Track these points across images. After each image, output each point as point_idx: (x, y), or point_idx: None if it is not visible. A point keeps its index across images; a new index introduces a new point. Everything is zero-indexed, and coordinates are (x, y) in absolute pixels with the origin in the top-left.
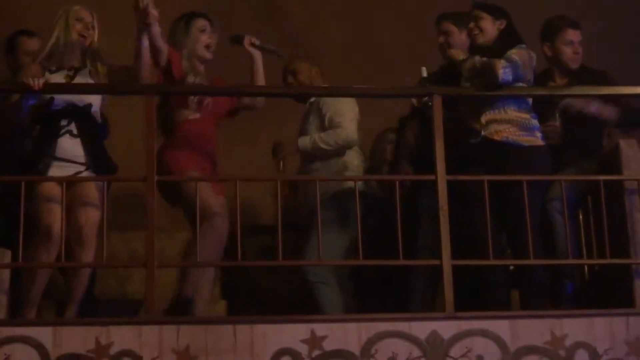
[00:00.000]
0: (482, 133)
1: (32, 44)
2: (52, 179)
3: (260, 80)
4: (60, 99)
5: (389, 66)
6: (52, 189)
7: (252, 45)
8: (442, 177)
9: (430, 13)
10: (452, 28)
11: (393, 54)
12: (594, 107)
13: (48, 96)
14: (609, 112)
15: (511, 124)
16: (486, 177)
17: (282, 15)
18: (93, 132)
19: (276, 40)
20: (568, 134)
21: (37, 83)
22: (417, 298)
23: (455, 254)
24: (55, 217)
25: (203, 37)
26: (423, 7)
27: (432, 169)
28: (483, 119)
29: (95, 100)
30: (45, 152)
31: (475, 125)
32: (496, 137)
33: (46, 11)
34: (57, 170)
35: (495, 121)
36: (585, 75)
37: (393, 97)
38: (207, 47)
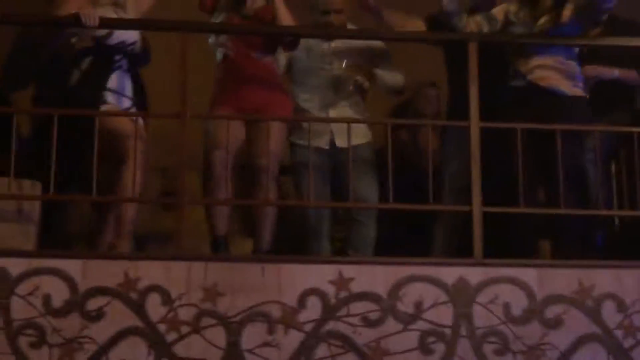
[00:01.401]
0: (528, 77)
1: None
2: (90, 113)
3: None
4: (117, 34)
5: None
6: (126, 125)
7: None
8: (475, 124)
9: None
10: None
11: None
12: (616, 73)
13: (104, 31)
14: (634, 77)
15: (557, 72)
16: (519, 125)
17: None
18: (138, 68)
19: None
20: (600, 88)
21: (93, 20)
22: (439, 245)
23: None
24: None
25: None
26: None
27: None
28: (531, 63)
29: (137, 36)
30: (100, 85)
31: (520, 68)
32: (542, 83)
33: None
34: (113, 104)
35: (542, 67)
36: (617, 24)
37: (431, 42)
38: None
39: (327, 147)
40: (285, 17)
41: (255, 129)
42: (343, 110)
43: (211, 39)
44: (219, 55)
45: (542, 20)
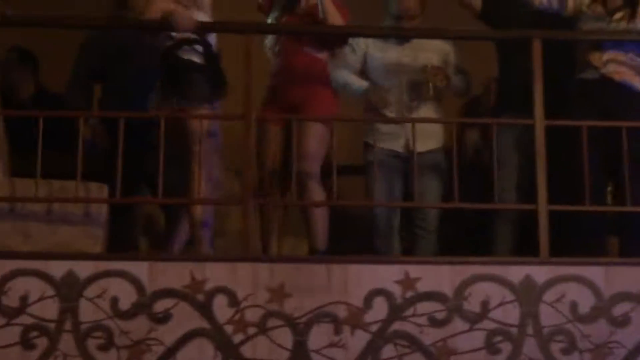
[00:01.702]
0: (601, 70)
1: None
2: (148, 115)
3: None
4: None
5: None
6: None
7: None
8: (540, 122)
9: None
10: None
11: None
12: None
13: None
14: None
15: (630, 67)
16: (585, 123)
17: None
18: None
19: None
20: None
21: (189, 22)
22: (501, 244)
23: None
24: None
25: None
26: None
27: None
28: (604, 57)
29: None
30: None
31: (593, 61)
32: (616, 77)
33: None
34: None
35: (616, 61)
36: None
37: (493, 39)
38: None
39: (401, 151)
40: (334, 17)
41: (297, 130)
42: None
43: (267, 40)
44: (270, 54)
45: (618, 16)
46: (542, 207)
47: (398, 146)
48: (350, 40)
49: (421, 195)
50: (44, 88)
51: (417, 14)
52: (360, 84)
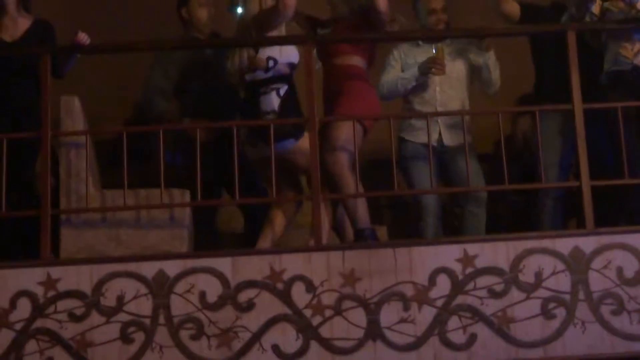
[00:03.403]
0: (634, 61)
1: None
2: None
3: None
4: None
5: None
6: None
7: None
8: (578, 107)
9: None
10: None
11: None
12: None
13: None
14: None
15: None
16: (619, 104)
17: None
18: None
19: None
20: None
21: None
22: (548, 219)
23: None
24: None
25: None
26: None
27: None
28: (635, 48)
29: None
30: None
31: (624, 53)
32: None
33: None
34: None
35: None
36: None
37: (529, 35)
38: None
39: (435, 145)
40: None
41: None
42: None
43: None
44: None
45: None
46: (586, 183)
47: (432, 140)
48: (387, 59)
49: (464, 179)
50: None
51: (445, 6)
52: (410, 71)
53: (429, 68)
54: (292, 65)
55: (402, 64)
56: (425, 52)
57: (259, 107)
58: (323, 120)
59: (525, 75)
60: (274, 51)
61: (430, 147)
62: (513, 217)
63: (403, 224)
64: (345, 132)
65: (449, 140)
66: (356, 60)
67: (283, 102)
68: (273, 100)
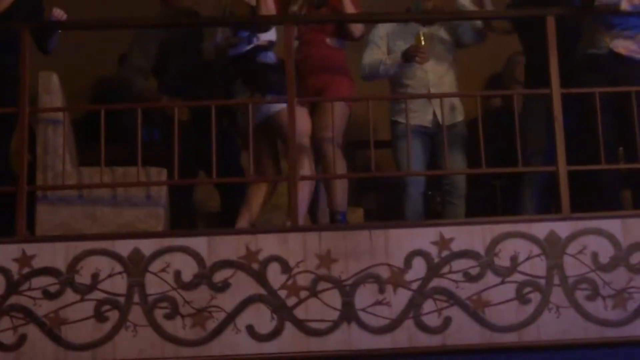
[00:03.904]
0: (610, 46)
1: None
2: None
3: (350, 9)
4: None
5: None
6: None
7: None
8: (556, 91)
9: None
10: None
11: None
12: None
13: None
14: None
15: (636, 42)
16: (597, 89)
17: None
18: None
19: None
20: None
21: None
22: (527, 204)
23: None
24: None
25: None
26: None
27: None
28: (613, 34)
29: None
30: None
31: (603, 38)
32: (624, 52)
33: None
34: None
35: (624, 37)
36: None
37: (509, 19)
38: None
39: (430, 126)
40: (349, 7)
41: (319, 108)
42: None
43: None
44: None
45: None
46: (562, 168)
47: (426, 121)
48: (372, 37)
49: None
50: None
51: None
52: (394, 55)
53: (412, 55)
54: (271, 43)
55: (388, 43)
56: (411, 34)
57: (256, 62)
58: (300, 101)
59: (499, 53)
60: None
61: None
62: (492, 202)
63: (383, 207)
64: (336, 114)
65: (441, 120)
66: (331, 41)
67: (278, 61)
68: (271, 55)
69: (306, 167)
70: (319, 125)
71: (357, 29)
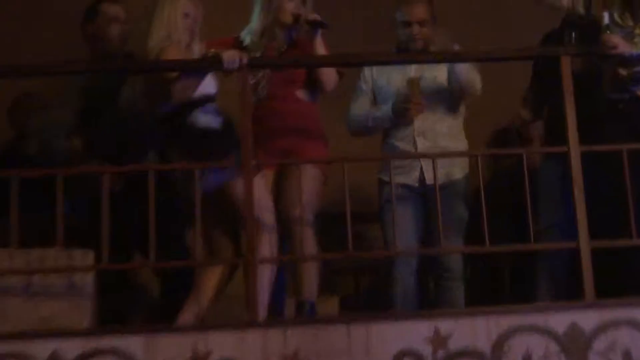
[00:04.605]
0: (631, 89)
1: (115, 9)
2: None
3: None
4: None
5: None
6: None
7: (307, 22)
8: (575, 148)
9: None
10: None
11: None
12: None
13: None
14: None
15: None
16: (625, 147)
17: None
18: None
19: None
20: None
21: (239, 59)
22: (542, 289)
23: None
24: None
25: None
26: None
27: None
28: (634, 75)
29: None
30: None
31: (624, 80)
32: None
33: None
34: None
35: None
36: None
37: (517, 60)
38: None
39: (416, 185)
40: (321, 49)
41: (286, 178)
42: (436, 139)
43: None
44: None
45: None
46: (584, 244)
47: (412, 179)
48: (359, 82)
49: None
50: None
51: (426, 19)
52: (384, 107)
53: (404, 109)
54: (208, 97)
55: (372, 86)
56: (400, 71)
57: (195, 125)
58: (260, 164)
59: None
60: None
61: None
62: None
63: (364, 294)
64: (310, 182)
65: (432, 178)
66: (302, 94)
67: (225, 120)
68: (210, 111)
69: (267, 247)
70: (287, 200)
71: (329, 78)
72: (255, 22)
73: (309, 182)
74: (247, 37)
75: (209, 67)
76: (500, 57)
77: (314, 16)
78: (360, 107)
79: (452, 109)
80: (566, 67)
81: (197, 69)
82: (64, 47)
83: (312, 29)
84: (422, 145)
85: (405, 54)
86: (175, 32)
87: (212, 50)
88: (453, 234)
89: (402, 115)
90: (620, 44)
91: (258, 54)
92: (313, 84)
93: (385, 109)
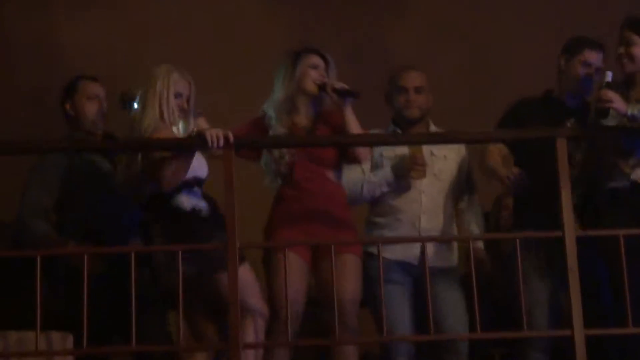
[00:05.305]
0: (631, 177)
1: (95, 87)
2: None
3: (356, 128)
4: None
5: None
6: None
7: (334, 90)
8: (570, 233)
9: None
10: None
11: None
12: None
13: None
14: None
15: None
16: (621, 232)
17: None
18: None
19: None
20: None
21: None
22: None
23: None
24: None
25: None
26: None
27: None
28: (632, 162)
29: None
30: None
31: (623, 168)
32: None
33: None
34: None
35: None
36: None
37: (513, 140)
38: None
39: (416, 264)
40: (354, 125)
41: (327, 265)
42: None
43: (271, 165)
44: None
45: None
46: (578, 332)
47: (411, 256)
48: None
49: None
50: None
51: (423, 85)
52: (383, 171)
53: (406, 170)
54: (198, 180)
55: (372, 156)
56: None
57: (180, 208)
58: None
59: None
60: None
61: None
62: None
63: None
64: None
65: (432, 259)
66: (335, 175)
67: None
68: (196, 202)
69: (251, 333)
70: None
71: (365, 150)
72: (278, 92)
73: (352, 269)
74: (269, 110)
75: (192, 146)
76: (491, 138)
77: (341, 85)
78: (354, 173)
79: (457, 195)
80: (562, 149)
81: (180, 147)
82: (38, 125)
83: (341, 99)
84: (426, 224)
85: (388, 135)
86: (166, 112)
87: (195, 129)
88: (455, 321)
89: (402, 176)
90: (615, 100)
91: (283, 130)
92: (345, 160)
93: (382, 173)
